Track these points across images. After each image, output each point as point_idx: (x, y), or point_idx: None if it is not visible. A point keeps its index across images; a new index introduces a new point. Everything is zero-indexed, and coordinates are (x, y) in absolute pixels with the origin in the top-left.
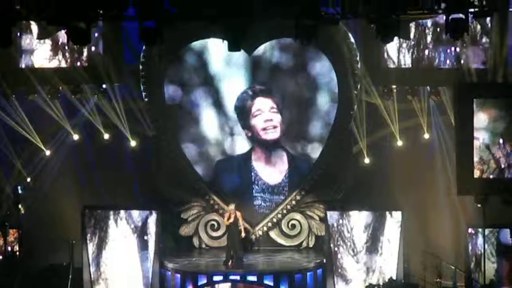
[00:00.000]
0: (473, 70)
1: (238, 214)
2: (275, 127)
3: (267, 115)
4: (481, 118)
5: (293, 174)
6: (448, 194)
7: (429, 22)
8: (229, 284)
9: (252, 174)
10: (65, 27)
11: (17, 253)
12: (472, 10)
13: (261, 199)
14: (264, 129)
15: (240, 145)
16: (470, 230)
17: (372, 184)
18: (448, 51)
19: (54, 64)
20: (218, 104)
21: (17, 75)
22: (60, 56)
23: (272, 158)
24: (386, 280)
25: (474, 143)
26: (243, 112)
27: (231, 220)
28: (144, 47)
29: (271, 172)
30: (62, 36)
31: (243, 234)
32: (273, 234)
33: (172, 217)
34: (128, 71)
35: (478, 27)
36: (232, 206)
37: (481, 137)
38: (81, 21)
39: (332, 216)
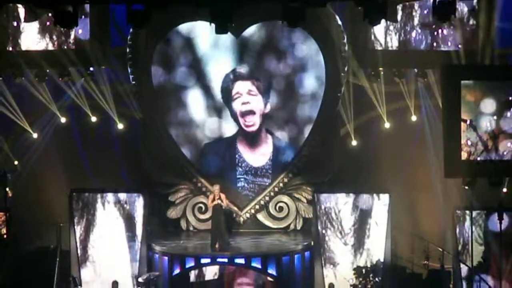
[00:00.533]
0: (461, 52)
1: (223, 196)
2: (253, 113)
3: (244, 98)
4: (468, 100)
5: (278, 157)
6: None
7: (416, 4)
8: (217, 266)
9: (237, 156)
10: (52, 9)
11: (5, 236)
12: None
13: (244, 181)
14: (243, 115)
15: (227, 127)
16: (458, 212)
17: (359, 167)
18: (435, 33)
19: (41, 46)
20: (205, 87)
21: (4, 57)
22: (47, 39)
23: (256, 140)
24: (374, 262)
25: (461, 125)
26: (226, 95)
27: (216, 202)
28: (131, 30)
29: (255, 154)
30: (50, 18)
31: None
32: (260, 217)
33: (159, 200)
34: (115, 54)
35: (465, 9)
36: (216, 187)
37: (468, 119)
38: (68, 3)
39: (320, 198)
